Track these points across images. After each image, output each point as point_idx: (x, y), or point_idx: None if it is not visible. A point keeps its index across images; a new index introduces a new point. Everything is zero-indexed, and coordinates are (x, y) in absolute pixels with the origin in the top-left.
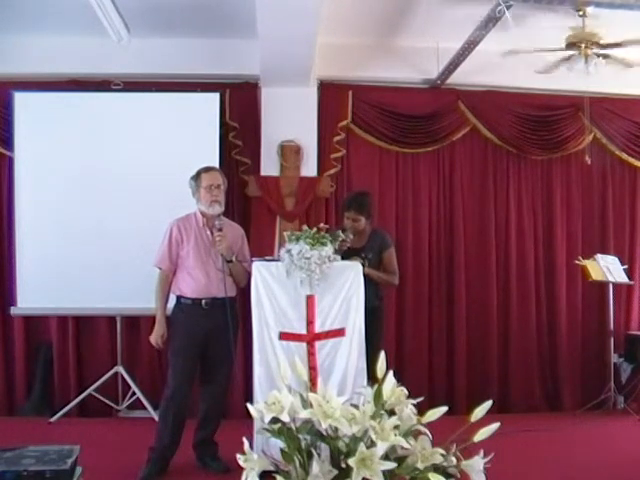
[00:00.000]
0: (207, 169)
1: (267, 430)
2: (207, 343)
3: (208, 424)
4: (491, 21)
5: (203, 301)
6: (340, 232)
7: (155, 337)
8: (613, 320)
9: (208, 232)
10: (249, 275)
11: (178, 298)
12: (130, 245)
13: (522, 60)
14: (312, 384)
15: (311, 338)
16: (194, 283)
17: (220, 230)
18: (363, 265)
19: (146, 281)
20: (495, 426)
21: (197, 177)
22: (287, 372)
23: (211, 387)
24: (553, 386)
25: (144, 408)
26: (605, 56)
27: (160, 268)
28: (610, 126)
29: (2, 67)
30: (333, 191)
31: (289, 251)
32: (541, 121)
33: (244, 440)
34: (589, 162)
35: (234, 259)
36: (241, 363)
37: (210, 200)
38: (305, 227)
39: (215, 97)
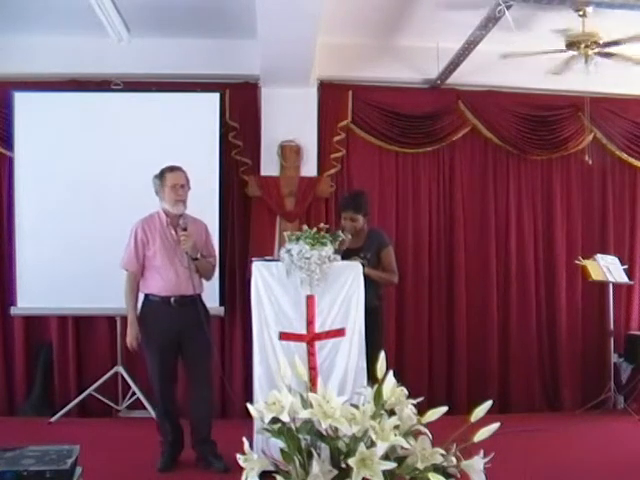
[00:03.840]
0: (172, 168)
1: (267, 430)
2: (180, 341)
3: (201, 424)
4: (491, 21)
5: (172, 299)
6: (340, 232)
7: (130, 340)
8: (613, 320)
9: (172, 231)
10: (214, 269)
11: (146, 296)
12: None
13: (522, 60)
14: (312, 384)
15: (311, 338)
16: (163, 282)
17: (185, 229)
18: (363, 265)
19: None
20: (495, 426)
21: (161, 176)
22: (287, 372)
23: (195, 387)
24: (553, 386)
25: (144, 408)
26: (610, 55)
27: (127, 270)
28: (610, 126)
29: (2, 67)
30: (333, 191)
31: (289, 251)
32: (541, 121)
33: (244, 440)
34: (589, 162)
35: (199, 256)
36: (241, 363)
37: (175, 199)
38: (305, 227)
39: (215, 97)
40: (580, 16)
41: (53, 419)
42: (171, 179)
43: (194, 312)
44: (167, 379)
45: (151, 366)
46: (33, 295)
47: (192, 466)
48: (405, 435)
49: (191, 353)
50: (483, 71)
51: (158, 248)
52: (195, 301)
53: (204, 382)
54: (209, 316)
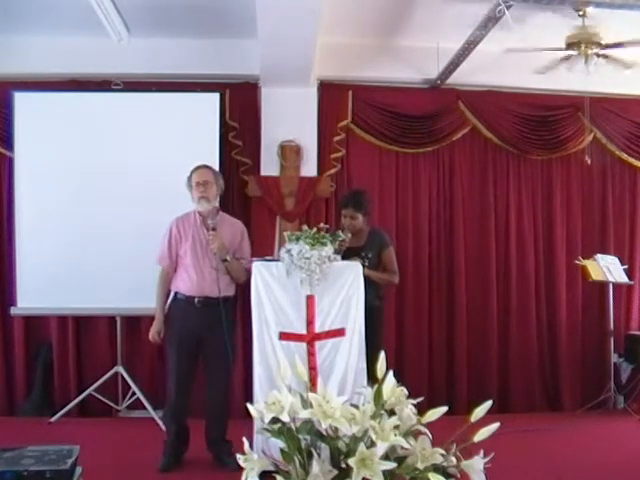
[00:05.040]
0: (196, 168)
1: (267, 430)
2: (201, 342)
3: (215, 425)
4: (491, 21)
5: (196, 299)
6: (340, 232)
7: (152, 333)
8: (613, 320)
9: (205, 231)
10: (248, 272)
11: (175, 294)
12: (130, 245)
13: (522, 60)
14: (312, 384)
15: (311, 338)
16: (189, 281)
17: (214, 229)
18: (364, 266)
19: (146, 281)
20: (495, 426)
21: (189, 177)
22: (287, 372)
23: (211, 388)
24: (553, 386)
25: (144, 408)
26: (605, 56)
27: (161, 266)
28: (610, 126)
29: (2, 67)
30: (333, 191)
31: (289, 251)
32: (541, 121)
33: (244, 440)
34: (589, 162)
35: (229, 258)
36: (241, 363)
37: (197, 197)
38: (305, 227)
39: (215, 97)
40: (580, 16)
41: (53, 419)
42: (194, 178)
43: (218, 314)
44: (183, 378)
45: (170, 363)
46: (33, 295)
47: (193, 466)
48: (405, 435)
49: (209, 354)
50: (483, 71)
51: (189, 247)
52: (219, 303)
53: (219, 386)
54: (234, 320)
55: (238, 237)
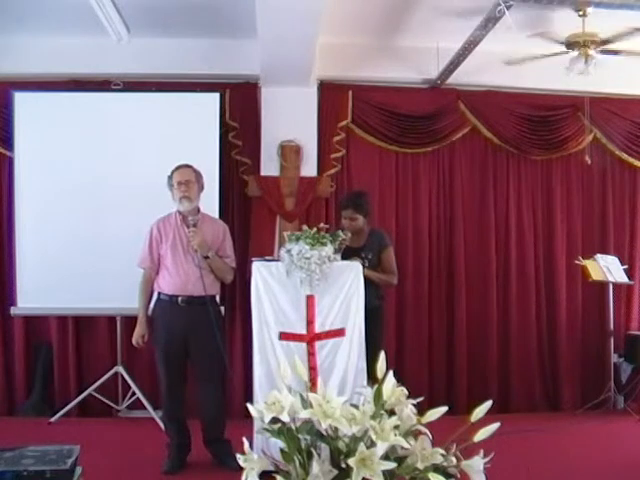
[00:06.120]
0: (177, 167)
1: (267, 430)
2: (187, 341)
3: (212, 425)
4: (491, 21)
5: (179, 298)
6: (340, 232)
7: (135, 337)
8: (613, 320)
9: (186, 230)
10: (234, 271)
11: (158, 294)
12: (130, 245)
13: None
14: (312, 384)
15: (311, 338)
16: (171, 280)
17: (194, 226)
18: (363, 266)
19: None
20: (495, 426)
21: (170, 176)
22: (287, 372)
23: (203, 388)
24: (553, 386)
25: (144, 408)
26: (616, 52)
27: (142, 268)
28: (610, 126)
29: (2, 67)
30: (333, 191)
31: (289, 251)
32: (541, 121)
33: (244, 440)
34: (589, 162)
35: (210, 255)
36: (241, 363)
37: (179, 196)
38: (305, 227)
39: (215, 97)
40: (580, 16)
41: (53, 419)
42: (176, 177)
43: (203, 313)
44: (173, 379)
45: (159, 365)
46: (33, 295)
47: (193, 466)
48: (405, 435)
49: (198, 354)
50: (483, 71)
51: (170, 246)
52: (205, 302)
53: (211, 383)
54: (221, 317)
55: (220, 236)
